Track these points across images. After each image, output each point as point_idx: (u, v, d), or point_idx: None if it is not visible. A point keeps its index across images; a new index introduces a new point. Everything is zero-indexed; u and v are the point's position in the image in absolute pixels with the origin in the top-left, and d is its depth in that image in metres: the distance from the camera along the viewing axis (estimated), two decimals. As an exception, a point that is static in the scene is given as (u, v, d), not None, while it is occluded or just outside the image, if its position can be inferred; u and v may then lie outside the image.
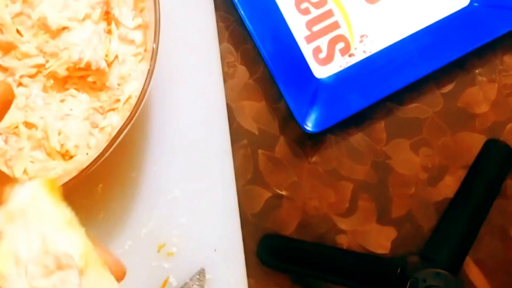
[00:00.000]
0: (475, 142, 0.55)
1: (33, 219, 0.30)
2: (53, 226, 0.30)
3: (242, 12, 0.51)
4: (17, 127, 0.44)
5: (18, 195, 0.30)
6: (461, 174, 0.54)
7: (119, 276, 0.33)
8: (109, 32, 0.45)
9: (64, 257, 0.29)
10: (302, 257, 0.54)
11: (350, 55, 0.54)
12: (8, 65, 0.44)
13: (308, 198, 0.55)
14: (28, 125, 0.44)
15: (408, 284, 0.47)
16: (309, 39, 0.54)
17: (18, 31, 0.44)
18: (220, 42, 0.54)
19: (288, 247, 0.55)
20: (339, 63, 0.54)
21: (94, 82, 0.45)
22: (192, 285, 0.51)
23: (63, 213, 0.30)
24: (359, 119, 0.54)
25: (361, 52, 0.54)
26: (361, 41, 0.54)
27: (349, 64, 0.54)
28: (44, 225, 0.30)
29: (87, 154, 0.44)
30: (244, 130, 0.54)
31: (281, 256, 0.55)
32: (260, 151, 0.55)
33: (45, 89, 0.45)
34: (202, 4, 0.53)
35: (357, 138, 0.55)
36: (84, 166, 0.40)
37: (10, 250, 0.29)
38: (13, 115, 0.44)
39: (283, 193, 0.55)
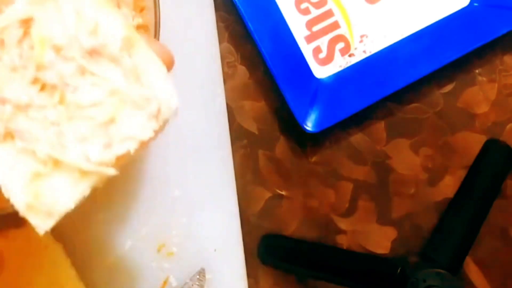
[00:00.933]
0: (475, 142, 0.55)
1: None
2: (89, 3, 0.27)
3: (242, 12, 0.51)
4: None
5: None
6: (461, 174, 0.54)
7: (167, 63, 0.30)
8: (109, 32, 0.45)
9: (105, 34, 0.27)
10: (302, 257, 0.54)
11: (350, 55, 0.54)
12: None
13: (308, 198, 0.55)
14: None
15: (408, 284, 0.47)
16: (309, 39, 0.54)
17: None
18: (220, 42, 0.54)
19: (288, 247, 0.55)
20: (339, 63, 0.54)
21: (94, 82, 0.45)
22: (192, 285, 0.51)
23: None
24: (359, 119, 0.54)
25: (361, 52, 0.54)
26: (361, 41, 0.54)
27: (349, 64, 0.54)
28: (78, 3, 0.27)
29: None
30: (244, 130, 0.54)
31: (281, 256, 0.55)
32: (260, 151, 0.55)
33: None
34: (202, 4, 0.53)
35: (357, 138, 0.55)
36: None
37: (45, 36, 0.27)
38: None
39: (283, 193, 0.55)
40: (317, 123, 0.52)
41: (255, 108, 0.55)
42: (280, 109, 0.55)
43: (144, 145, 0.29)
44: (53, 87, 0.27)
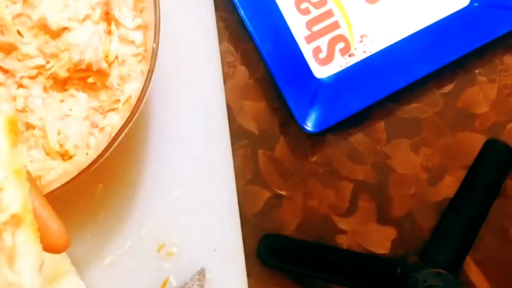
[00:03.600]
0: (475, 142, 0.55)
1: None
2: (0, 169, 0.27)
3: (242, 12, 0.51)
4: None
5: None
6: (461, 174, 0.54)
7: (60, 246, 0.30)
8: (109, 32, 0.45)
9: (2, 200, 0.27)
10: (302, 257, 0.54)
11: (350, 55, 0.54)
12: (9, 67, 0.44)
13: (308, 198, 0.55)
14: (28, 126, 0.44)
15: (408, 284, 0.47)
16: (309, 39, 0.54)
17: (18, 32, 0.44)
18: (220, 42, 0.54)
19: (288, 247, 0.55)
20: (339, 63, 0.54)
21: (94, 83, 0.45)
22: (192, 285, 0.51)
23: (15, 160, 0.28)
24: (359, 119, 0.54)
25: (361, 52, 0.54)
26: (361, 41, 0.54)
27: (349, 64, 0.54)
28: None
29: (87, 154, 0.44)
30: (244, 130, 0.55)
31: (281, 256, 0.55)
32: (260, 151, 0.55)
33: (45, 89, 0.45)
34: (202, 4, 0.53)
35: (357, 138, 0.55)
36: (84, 166, 0.40)
37: None
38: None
39: (283, 193, 0.55)
40: (317, 123, 0.52)
41: (255, 108, 0.55)
42: (280, 109, 0.55)
43: None
44: None
